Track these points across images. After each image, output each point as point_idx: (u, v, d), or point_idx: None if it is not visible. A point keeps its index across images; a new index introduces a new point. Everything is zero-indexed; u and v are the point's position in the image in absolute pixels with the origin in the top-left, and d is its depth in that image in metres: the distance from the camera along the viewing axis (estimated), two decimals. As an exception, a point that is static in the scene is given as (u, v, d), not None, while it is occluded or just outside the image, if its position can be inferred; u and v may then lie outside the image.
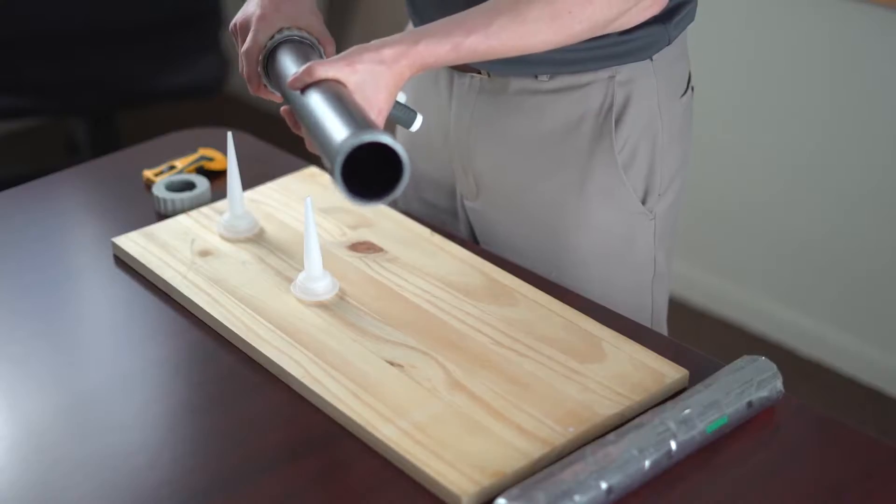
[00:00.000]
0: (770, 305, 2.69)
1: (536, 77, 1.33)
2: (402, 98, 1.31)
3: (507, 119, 1.36)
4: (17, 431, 1.13)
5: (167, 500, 1.04)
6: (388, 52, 1.13)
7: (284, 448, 1.09)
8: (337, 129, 1.03)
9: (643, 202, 1.37)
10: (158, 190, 1.46)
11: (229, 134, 1.38)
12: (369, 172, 1.03)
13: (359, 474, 1.07)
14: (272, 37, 1.20)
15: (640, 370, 1.15)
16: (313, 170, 1.52)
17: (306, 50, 1.20)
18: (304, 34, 1.21)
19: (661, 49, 1.32)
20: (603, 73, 1.32)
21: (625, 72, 1.32)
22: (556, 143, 1.34)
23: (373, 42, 1.15)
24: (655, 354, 1.17)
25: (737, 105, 2.58)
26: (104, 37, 2.76)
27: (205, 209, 1.44)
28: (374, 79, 1.12)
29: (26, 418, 1.14)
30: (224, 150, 1.55)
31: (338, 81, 1.11)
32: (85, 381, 1.19)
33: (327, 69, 1.11)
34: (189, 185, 1.48)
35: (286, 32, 1.20)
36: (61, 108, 2.98)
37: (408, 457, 1.05)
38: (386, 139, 1.01)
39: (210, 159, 1.55)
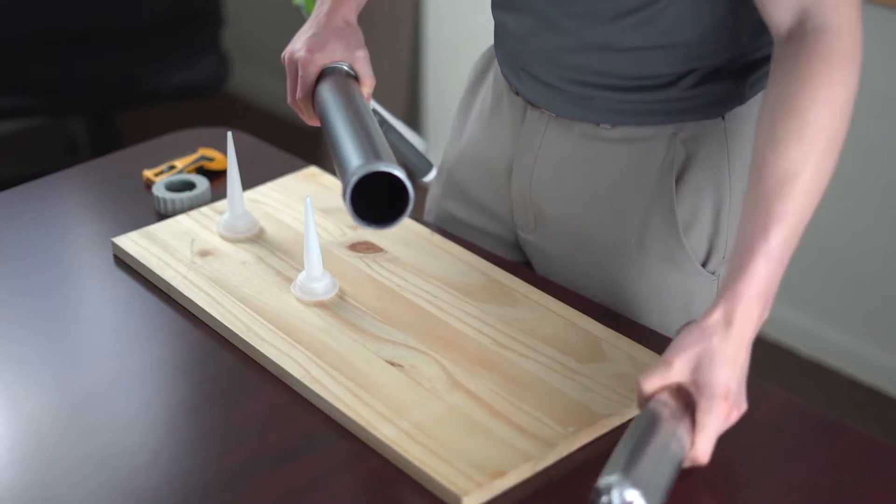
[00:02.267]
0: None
1: (598, 124, 1.28)
2: (421, 146, 1.33)
3: (570, 160, 1.31)
4: (17, 431, 1.13)
5: (167, 500, 1.04)
6: (713, 319, 1.01)
7: (284, 448, 1.09)
8: (352, 155, 1.09)
9: (704, 264, 1.29)
10: (158, 190, 1.46)
11: (229, 134, 1.38)
12: (380, 198, 1.09)
13: (359, 474, 1.07)
14: (317, 80, 1.27)
15: (640, 370, 1.15)
16: (313, 170, 1.52)
17: (345, 80, 1.26)
18: (348, 68, 1.28)
19: (734, 107, 1.26)
20: (666, 129, 1.25)
21: (690, 129, 1.25)
22: (615, 193, 1.29)
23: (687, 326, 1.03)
24: (655, 354, 1.17)
25: (737, 105, 2.58)
26: (104, 37, 2.75)
27: (205, 209, 1.44)
28: (709, 358, 1.00)
29: (26, 418, 1.14)
30: (224, 150, 1.55)
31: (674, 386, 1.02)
32: (85, 381, 1.19)
33: (653, 382, 1.02)
34: (189, 185, 1.48)
35: (329, 65, 1.27)
36: (61, 108, 2.98)
37: (408, 457, 1.05)
38: (395, 170, 1.06)
39: (210, 159, 1.55)
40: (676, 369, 1.01)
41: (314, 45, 1.26)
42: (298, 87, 1.27)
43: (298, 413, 1.13)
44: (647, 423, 0.98)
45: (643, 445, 0.96)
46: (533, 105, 1.32)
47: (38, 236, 1.43)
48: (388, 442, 1.06)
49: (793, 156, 1.04)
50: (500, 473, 1.03)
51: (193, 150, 1.57)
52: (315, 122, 1.28)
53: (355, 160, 1.08)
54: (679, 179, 1.27)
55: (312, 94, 1.26)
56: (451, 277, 1.30)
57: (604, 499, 0.92)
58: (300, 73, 1.26)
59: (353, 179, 1.06)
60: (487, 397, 1.12)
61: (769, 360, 2.64)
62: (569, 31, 1.23)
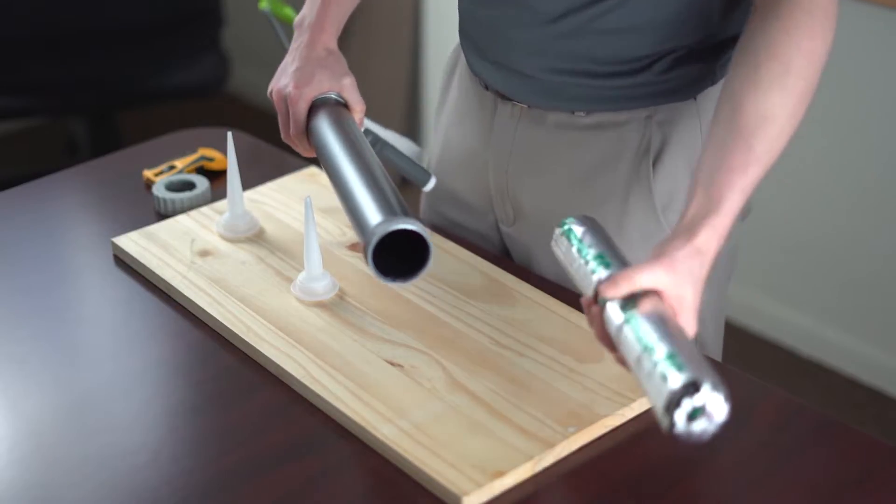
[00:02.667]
0: (770, 305, 2.69)
1: (573, 112, 1.29)
2: (415, 154, 1.32)
3: (545, 151, 1.32)
4: (17, 431, 1.13)
5: (167, 500, 1.04)
6: (701, 239, 1.03)
7: (284, 448, 1.09)
8: (370, 211, 1.09)
9: None
10: (158, 190, 1.46)
11: (229, 134, 1.38)
12: (398, 247, 1.09)
13: (359, 474, 1.07)
14: (308, 112, 1.26)
15: (640, 370, 1.15)
16: (313, 170, 1.52)
17: (339, 110, 1.25)
18: (337, 97, 1.27)
19: (706, 88, 1.28)
20: (640, 113, 1.27)
21: (664, 112, 1.27)
22: (592, 180, 1.30)
23: (673, 235, 1.04)
24: (655, 354, 1.17)
25: (737, 105, 2.58)
26: (104, 37, 2.76)
27: (205, 209, 1.44)
28: (694, 277, 1.02)
29: (26, 418, 1.14)
30: (224, 150, 1.55)
31: (656, 292, 1.01)
32: (85, 381, 1.20)
33: (644, 277, 1.00)
34: (189, 185, 1.48)
35: (319, 97, 1.26)
36: (61, 108, 2.98)
37: (408, 457, 1.05)
38: (415, 226, 1.07)
39: (210, 159, 1.55)
40: (672, 278, 1.01)
41: (301, 80, 1.25)
42: (291, 125, 1.26)
43: (298, 413, 1.13)
44: (678, 330, 0.98)
45: (694, 352, 0.96)
46: (504, 98, 1.33)
47: (38, 236, 1.43)
48: (388, 442, 1.06)
49: (773, 100, 1.08)
50: (500, 473, 1.03)
51: (193, 150, 1.57)
52: (311, 154, 1.28)
53: (374, 217, 1.08)
54: (655, 162, 1.28)
55: (306, 128, 1.26)
56: (451, 277, 1.30)
57: (701, 398, 0.91)
58: (291, 110, 1.25)
59: (375, 239, 1.06)
60: (487, 397, 1.12)
61: (769, 360, 2.64)
62: (547, 16, 1.23)
